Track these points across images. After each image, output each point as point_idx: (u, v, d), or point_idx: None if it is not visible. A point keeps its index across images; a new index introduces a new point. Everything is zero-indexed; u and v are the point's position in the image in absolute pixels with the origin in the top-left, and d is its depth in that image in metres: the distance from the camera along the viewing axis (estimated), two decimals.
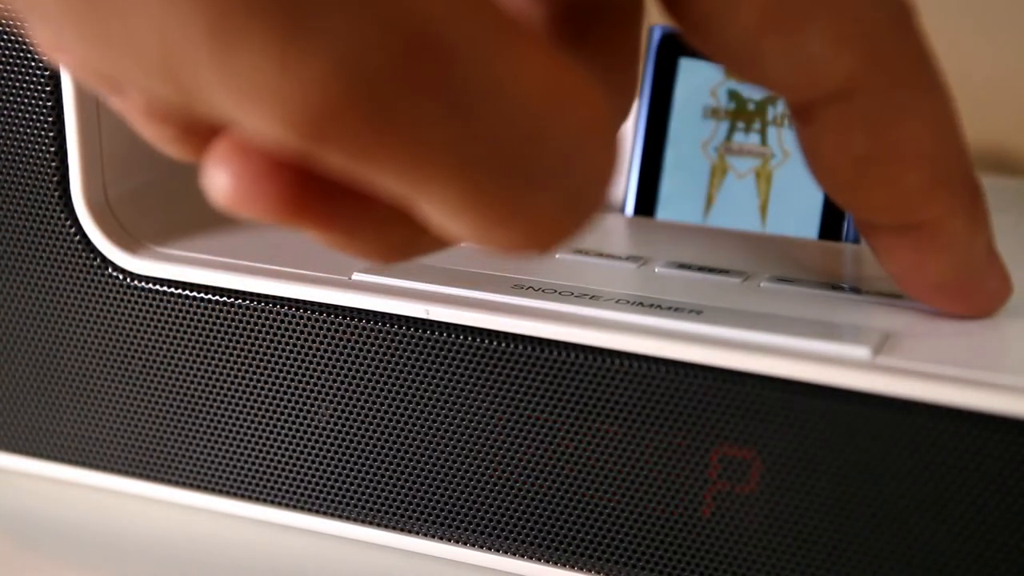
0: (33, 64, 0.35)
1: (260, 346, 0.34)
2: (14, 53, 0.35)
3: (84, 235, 0.35)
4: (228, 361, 0.35)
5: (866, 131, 0.27)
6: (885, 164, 0.27)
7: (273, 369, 0.34)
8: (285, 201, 0.23)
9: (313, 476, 0.34)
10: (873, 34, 0.26)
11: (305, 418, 0.34)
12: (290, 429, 0.34)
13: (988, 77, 0.60)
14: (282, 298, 0.33)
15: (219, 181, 0.23)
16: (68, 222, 0.35)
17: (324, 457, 0.34)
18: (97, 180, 0.35)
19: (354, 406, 0.33)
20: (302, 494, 0.35)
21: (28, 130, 0.35)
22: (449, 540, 0.34)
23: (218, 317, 0.34)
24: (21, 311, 0.37)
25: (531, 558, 0.33)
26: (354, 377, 0.33)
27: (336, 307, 0.33)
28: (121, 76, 0.21)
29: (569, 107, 0.22)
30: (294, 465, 0.35)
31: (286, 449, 0.35)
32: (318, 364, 0.34)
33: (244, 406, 0.35)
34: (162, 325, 0.35)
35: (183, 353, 0.35)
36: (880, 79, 0.26)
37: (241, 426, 0.35)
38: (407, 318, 0.32)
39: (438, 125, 0.20)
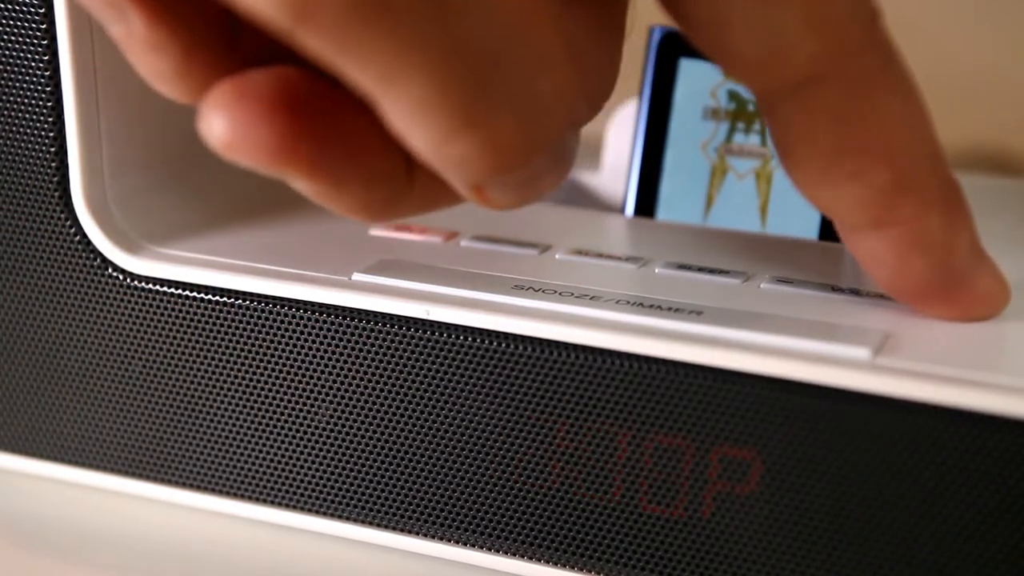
0: (33, 64, 0.35)
1: (260, 346, 0.34)
2: (14, 53, 0.35)
3: (84, 235, 0.35)
4: (228, 361, 0.35)
5: (830, 124, 0.27)
6: (851, 160, 0.28)
7: (273, 369, 0.34)
8: (278, 146, 0.24)
9: (313, 476, 0.34)
10: (842, 26, 0.26)
11: (305, 418, 0.34)
12: (290, 429, 0.34)
13: (988, 77, 0.60)
14: (282, 298, 0.34)
15: (216, 125, 0.23)
16: (68, 222, 0.35)
17: (324, 457, 0.34)
18: (97, 180, 0.35)
19: (354, 406, 0.33)
20: (302, 494, 0.35)
21: (28, 130, 0.35)
22: (449, 540, 0.34)
23: (218, 317, 0.34)
24: (21, 311, 0.37)
25: (531, 558, 0.33)
26: (354, 377, 0.33)
27: (336, 307, 0.33)
28: None
29: (544, 35, 0.23)
30: (294, 465, 0.35)
31: (286, 449, 0.35)
32: (318, 364, 0.34)
33: (244, 406, 0.35)
34: (162, 325, 0.35)
35: (183, 353, 0.35)
36: (845, 71, 0.27)
37: (241, 426, 0.35)
38: (407, 318, 0.32)
39: (424, 18, 0.21)
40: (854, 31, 0.27)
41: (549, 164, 0.26)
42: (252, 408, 0.35)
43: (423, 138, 0.23)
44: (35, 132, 0.35)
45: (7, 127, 0.35)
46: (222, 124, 0.23)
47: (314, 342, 0.33)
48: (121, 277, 0.35)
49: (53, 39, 0.34)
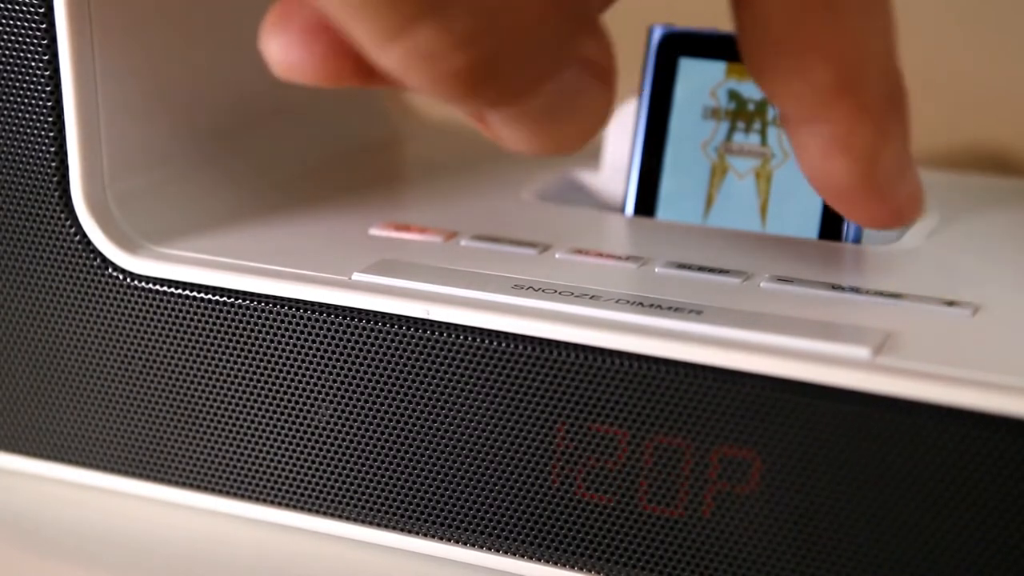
0: (33, 64, 0.35)
1: (260, 346, 0.34)
2: (14, 53, 0.35)
3: (84, 235, 0.35)
4: (228, 361, 0.35)
5: (789, 14, 0.27)
6: (799, 55, 0.28)
7: (273, 369, 0.34)
8: (329, 65, 0.26)
9: (313, 476, 0.34)
10: None
11: (305, 418, 0.34)
12: (290, 429, 0.34)
13: (988, 77, 0.60)
14: (282, 298, 0.34)
15: (274, 46, 0.26)
16: (68, 222, 0.35)
17: (324, 457, 0.34)
18: (97, 180, 0.35)
19: (354, 406, 0.33)
20: (302, 494, 0.35)
21: (28, 130, 0.35)
22: (449, 540, 0.34)
23: (218, 317, 0.34)
24: (21, 311, 0.37)
25: (531, 558, 0.33)
26: (354, 377, 0.33)
27: (336, 307, 0.33)
28: None
29: None
30: (294, 465, 0.35)
31: (286, 449, 0.35)
32: (318, 364, 0.34)
33: (244, 406, 0.35)
34: (162, 325, 0.35)
35: (183, 353, 0.35)
36: None
37: (241, 426, 0.35)
38: (407, 318, 0.32)
39: None
40: None
41: (558, 97, 0.26)
42: (252, 408, 0.35)
43: (365, 38, 0.24)
44: (35, 132, 0.35)
45: (7, 127, 0.35)
46: (278, 44, 0.26)
47: (314, 342, 0.33)
48: (121, 277, 0.35)
49: (53, 39, 0.34)
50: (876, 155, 0.29)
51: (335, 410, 0.34)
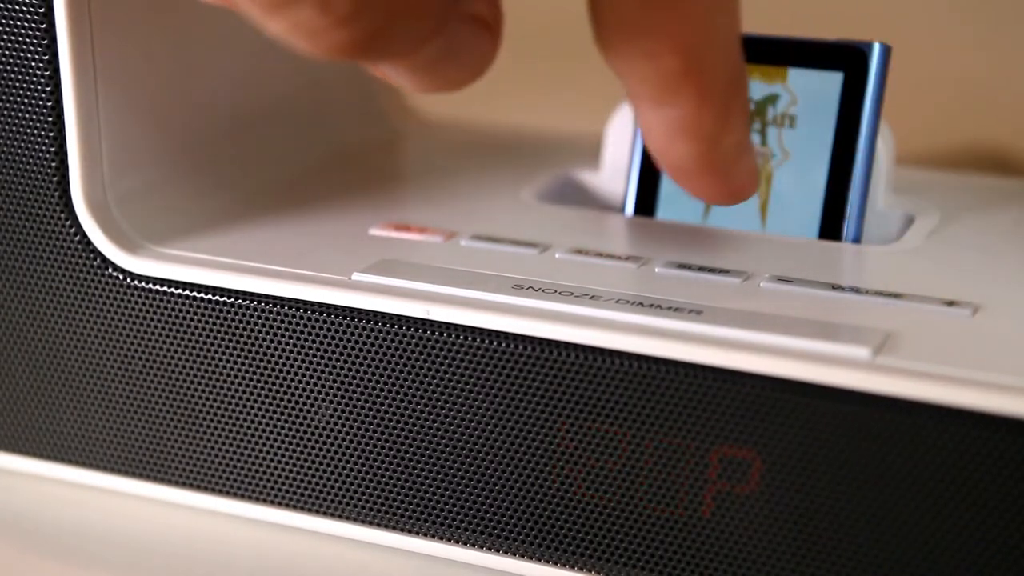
0: (33, 64, 0.35)
1: (260, 346, 0.34)
2: (14, 53, 0.35)
3: (84, 235, 0.35)
4: (228, 361, 0.35)
5: (640, 3, 0.28)
6: (649, 40, 0.28)
7: (273, 369, 0.34)
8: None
9: (313, 476, 0.35)
10: None
11: (305, 418, 0.34)
12: (290, 429, 0.34)
13: (988, 77, 0.60)
14: (282, 298, 0.34)
15: None
16: (68, 222, 0.35)
17: (324, 457, 0.34)
18: (97, 180, 0.35)
19: (354, 406, 0.33)
20: (302, 494, 0.35)
21: (28, 130, 0.35)
22: (449, 540, 0.34)
23: (218, 317, 0.34)
24: (21, 311, 0.37)
25: (531, 558, 0.33)
26: (354, 377, 0.33)
27: (336, 307, 0.33)
28: None
29: None
30: (294, 465, 0.35)
31: (286, 449, 0.35)
32: (318, 364, 0.34)
33: (244, 406, 0.35)
34: (162, 325, 0.35)
35: (183, 353, 0.35)
36: None
37: (241, 426, 0.35)
38: (407, 318, 0.32)
39: None
40: None
41: (445, 49, 0.27)
42: (252, 408, 0.35)
43: (249, 11, 0.25)
44: (35, 132, 0.35)
45: (7, 127, 0.35)
46: None
47: (314, 342, 0.33)
48: (121, 277, 0.35)
49: (53, 39, 0.34)
50: (718, 138, 0.30)
51: (335, 410, 0.34)
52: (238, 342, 0.34)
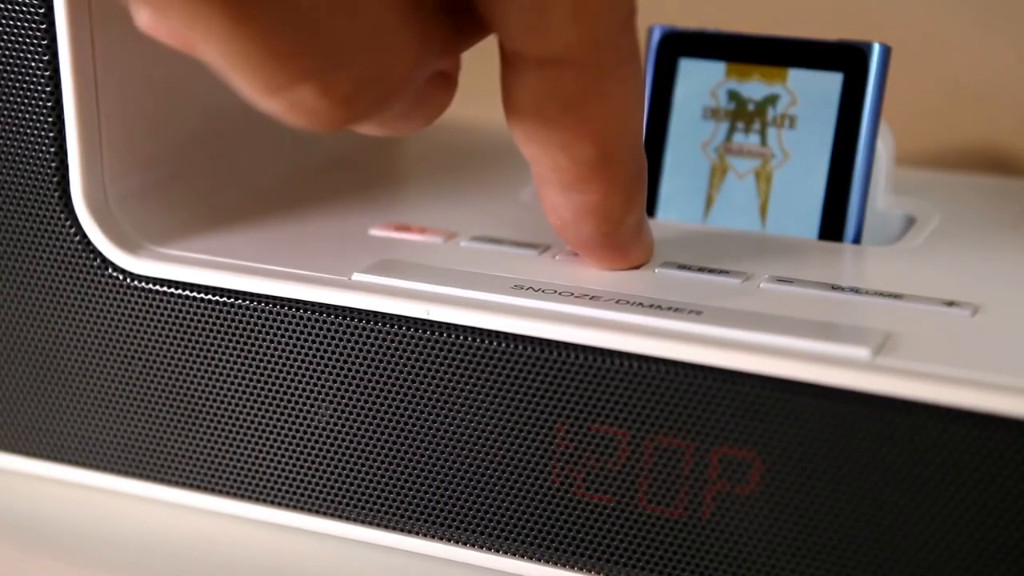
0: (33, 64, 0.35)
1: (260, 346, 0.34)
2: (14, 53, 0.35)
3: (84, 235, 0.35)
4: (228, 361, 0.35)
5: (561, 100, 0.29)
6: (566, 132, 0.30)
7: (272, 369, 0.34)
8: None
9: (313, 476, 0.35)
10: (602, 22, 0.29)
11: (305, 418, 0.34)
12: (290, 429, 0.34)
13: (988, 77, 0.60)
14: (281, 298, 0.34)
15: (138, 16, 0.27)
16: (68, 222, 0.35)
17: (324, 457, 0.34)
18: (97, 180, 0.35)
19: (354, 406, 0.33)
20: (302, 494, 0.35)
21: (28, 130, 0.35)
22: (449, 540, 0.34)
23: (218, 317, 0.34)
24: (21, 311, 0.37)
25: (531, 558, 0.33)
26: (354, 377, 0.33)
27: (335, 307, 0.33)
28: None
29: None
30: (294, 465, 0.35)
31: (286, 449, 0.35)
32: (318, 364, 0.34)
33: (244, 406, 0.35)
34: (162, 325, 0.35)
35: (183, 353, 0.35)
36: (588, 60, 0.29)
37: (241, 426, 0.35)
38: (407, 318, 0.32)
39: None
40: (611, 28, 0.29)
41: (408, 105, 0.30)
42: (252, 408, 0.35)
43: (242, 86, 0.26)
44: (35, 132, 0.35)
45: (7, 127, 0.35)
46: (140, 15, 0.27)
47: (314, 342, 0.33)
48: (121, 277, 0.35)
49: (53, 39, 0.34)
50: (622, 220, 0.32)
51: (335, 410, 0.34)
52: (238, 342, 0.34)
